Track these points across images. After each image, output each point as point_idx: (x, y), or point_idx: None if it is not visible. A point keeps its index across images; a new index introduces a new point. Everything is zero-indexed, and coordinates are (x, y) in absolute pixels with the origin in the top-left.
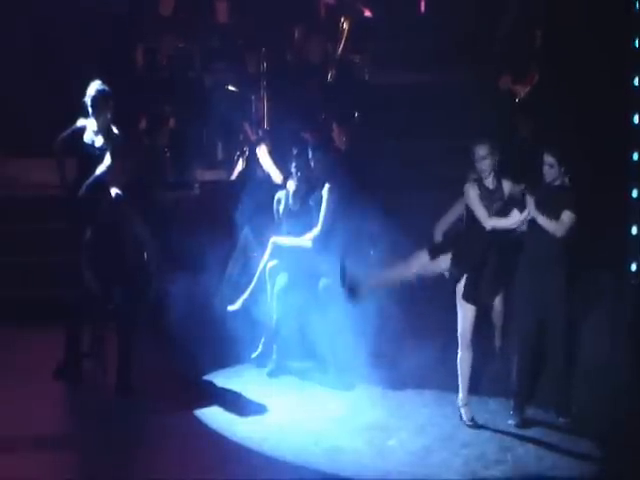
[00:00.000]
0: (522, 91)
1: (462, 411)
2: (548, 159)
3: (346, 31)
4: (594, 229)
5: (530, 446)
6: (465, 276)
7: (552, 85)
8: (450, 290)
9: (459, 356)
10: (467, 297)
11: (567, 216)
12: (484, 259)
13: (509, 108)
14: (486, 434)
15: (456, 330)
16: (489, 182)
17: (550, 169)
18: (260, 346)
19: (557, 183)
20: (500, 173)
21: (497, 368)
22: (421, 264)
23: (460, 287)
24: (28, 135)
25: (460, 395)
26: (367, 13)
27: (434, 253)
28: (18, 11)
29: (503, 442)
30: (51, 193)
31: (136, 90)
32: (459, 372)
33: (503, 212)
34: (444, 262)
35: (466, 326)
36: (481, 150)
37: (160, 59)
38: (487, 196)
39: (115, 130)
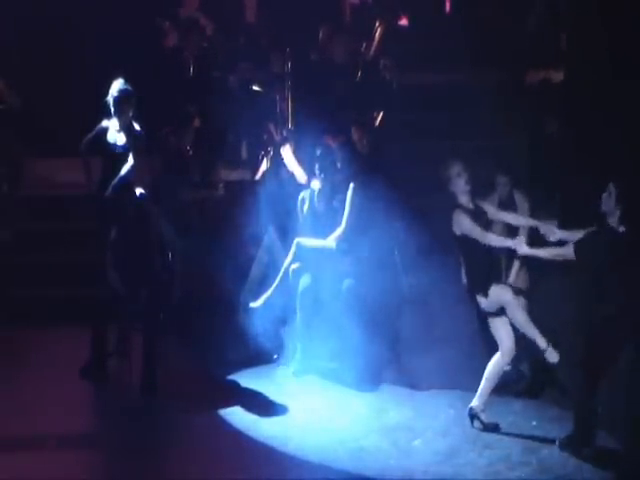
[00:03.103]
0: (549, 88)
1: (481, 417)
2: (611, 188)
3: (380, 34)
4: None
5: (555, 448)
6: None
7: (580, 82)
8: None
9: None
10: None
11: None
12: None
13: (536, 105)
14: (511, 435)
15: (481, 330)
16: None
17: (609, 199)
18: (284, 346)
19: (612, 224)
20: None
21: (522, 369)
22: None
23: None
24: (55, 135)
25: (475, 402)
26: (403, 21)
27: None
28: (43, 11)
29: (528, 443)
30: (78, 193)
31: (162, 90)
32: (486, 378)
33: None
34: None
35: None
36: (457, 167)
37: (185, 59)
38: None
39: (137, 127)
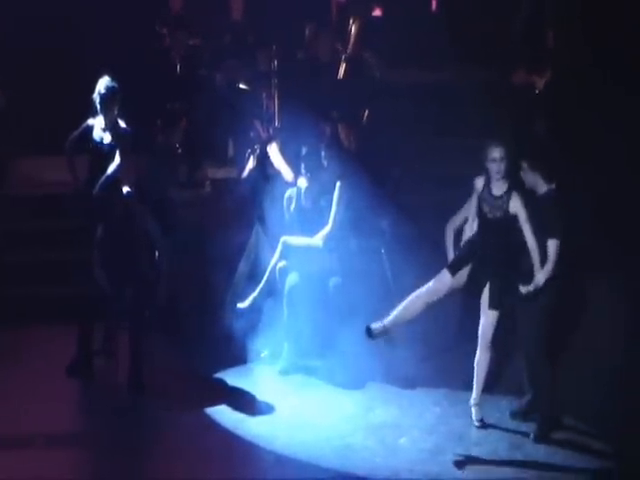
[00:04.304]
0: (536, 86)
1: (472, 410)
2: (523, 164)
3: (357, 29)
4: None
5: (541, 444)
6: (488, 284)
7: (567, 80)
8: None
9: (477, 357)
10: (494, 305)
11: (552, 245)
12: (502, 265)
13: (523, 104)
14: (497, 432)
15: (468, 327)
16: (496, 187)
17: (525, 174)
18: (271, 345)
19: (542, 191)
20: (511, 182)
21: (509, 367)
22: (446, 285)
23: (485, 296)
24: (40, 134)
25: (473, 395)
26: (378, 12)
27: (454, 269)
28: (31, 10)
29: (514, 440)
30: (64, 191)
31: (148, 88)
32: (475, 372)
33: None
34: (464, 276)
35: (488, 329)
36: (495, 152)
37: (172, 57)
38: (490, 202)
39: (122, 124)
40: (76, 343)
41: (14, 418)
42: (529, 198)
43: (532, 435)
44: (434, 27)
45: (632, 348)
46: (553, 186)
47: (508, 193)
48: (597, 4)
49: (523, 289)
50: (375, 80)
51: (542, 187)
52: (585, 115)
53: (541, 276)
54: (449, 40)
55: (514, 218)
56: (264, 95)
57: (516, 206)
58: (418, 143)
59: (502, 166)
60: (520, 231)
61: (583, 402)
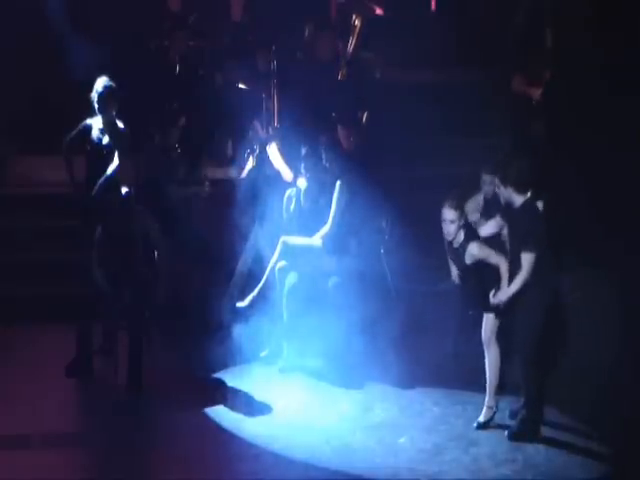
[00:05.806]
0: (535, 91)
1: (483, 411)
2: (495, 181)
3: (357, 29)
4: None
5: (540, 445)
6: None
7: (565, 85)
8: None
9: (485, 359)
10: (484, 309)
11: (525, 260)
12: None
13: (521, 108)
14: (497, 432)
15: (467, 327)
16: (456, 242)
17: (499, 190)
18: (270, 344)
19: (518, 204)
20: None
21: (508, 367)
22: None
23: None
24: (40, 133)
25: (486, 397)
26: (378, 11)
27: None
28: (25, 8)
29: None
30: (63, 191)
31: (148, 88)
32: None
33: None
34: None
35: (484, 331)
36: (445, 214)
37: (171, 57)
38: (451, 250)
39: (120, 124)
40: (75, 343)
41: (13, 418)
42: (505, 211)
43: (507, 432)
44: (434, 27)
45: (632, 348)
46: (527, 197)
47: (464, 246)
48: (595, 5)
49: (493, 300)
50: (375, 80)
51: (518, 200)
52: (581, 119)
53: (513, 287)
54: (449, 40)
55: (474, 263)
56: (263, 95)
57: (472, 256)
58: (418, 143)
59: (451, 228)
60: (482, 271)
61: (583, 403)
